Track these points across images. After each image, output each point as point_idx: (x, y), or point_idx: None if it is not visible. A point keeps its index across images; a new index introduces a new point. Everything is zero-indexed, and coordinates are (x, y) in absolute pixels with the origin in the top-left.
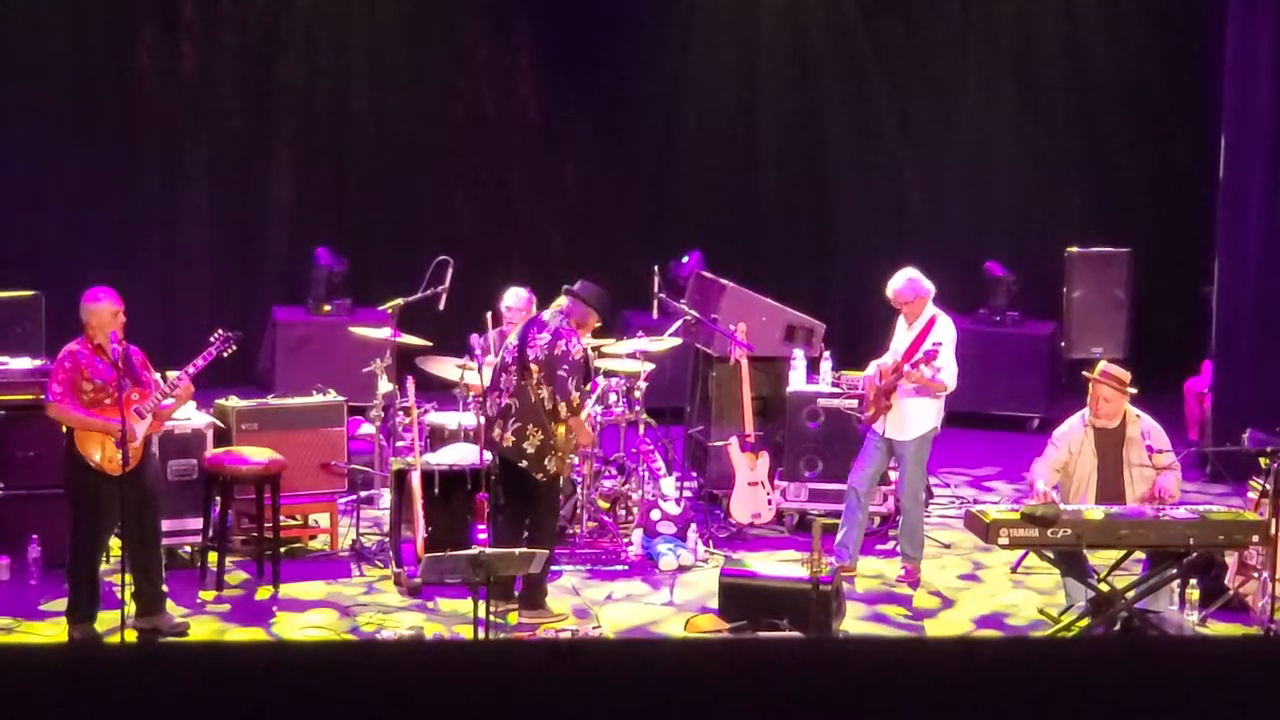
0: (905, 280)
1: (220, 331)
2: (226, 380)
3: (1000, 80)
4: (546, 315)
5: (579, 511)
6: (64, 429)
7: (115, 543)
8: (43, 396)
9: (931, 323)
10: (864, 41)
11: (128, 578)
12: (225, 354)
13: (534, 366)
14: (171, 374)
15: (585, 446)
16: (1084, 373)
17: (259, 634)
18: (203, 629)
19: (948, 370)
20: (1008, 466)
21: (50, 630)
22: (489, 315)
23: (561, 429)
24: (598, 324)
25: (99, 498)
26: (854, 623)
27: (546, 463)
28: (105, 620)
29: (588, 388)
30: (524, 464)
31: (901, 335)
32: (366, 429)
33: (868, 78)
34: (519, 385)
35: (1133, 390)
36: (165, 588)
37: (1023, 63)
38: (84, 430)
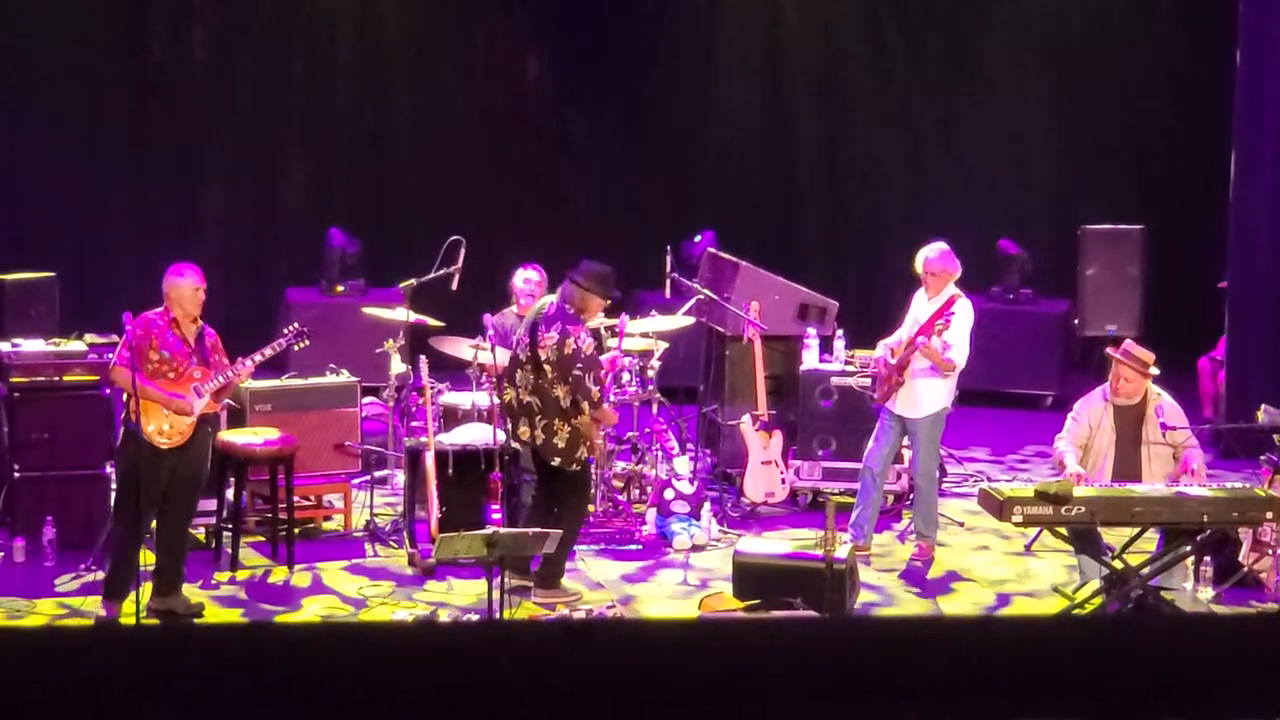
0: (938, 251)
1: (295, 325)
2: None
3: (1015, 59)
4: (553, 308)
5: (593, 491)
6: (125, 397)
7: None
8: (57, 378)
9: (951, 301)
10: (883, 22)
11: (150, 555)
12: (296, 347)
13: (547, 367)
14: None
15: (610, 425)
16: (1107, 349)
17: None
18: (217, 609)
19: (959, 349)
20: (996, 444)
21: (61, 611)
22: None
23: (586, 420)
24: (604, 305)
25: (146, 470)
26: (868, 601)
27: (578, 454)
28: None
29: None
30: (557, 460)
31: (919, 308)
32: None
33: (885, 58)
34: (537, 384)
35: (1154, 372)
36: (184, 570)
37: (1039, 41)
38: (142, 399)
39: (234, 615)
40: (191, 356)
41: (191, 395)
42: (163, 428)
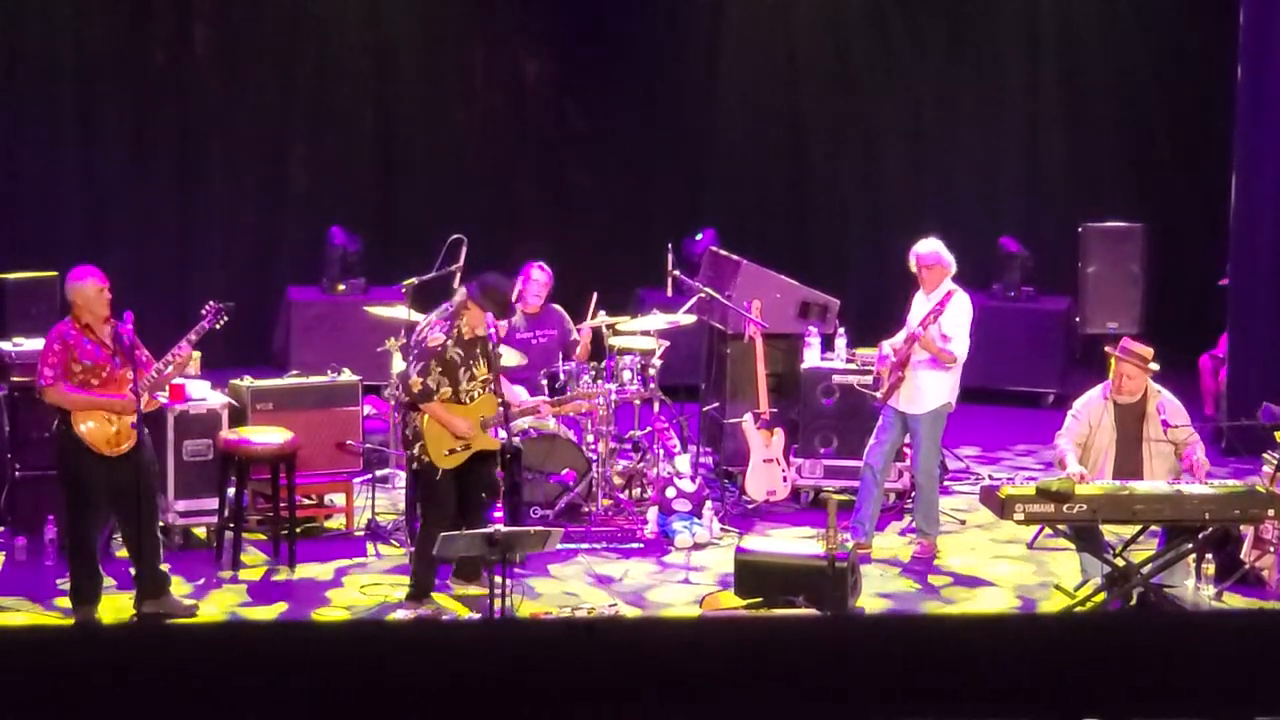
0: (930, 246)
1: (211, 304)
2: (241, 360)
3: (1018, 57)
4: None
5: (595, 490)
6: (57, 411)
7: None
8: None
9: (949, 296)
10: (888, 20)
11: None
12: (218, 325)
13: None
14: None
15: (462, 436)
16: (1105, 348)
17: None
18: (219, 608)
19: (958, 341)
20: (987, 442)
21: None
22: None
23: (425, 419)
24: (483, 317)
25: (94, 480)
26: (871, 599)
27: (416, 449)
28: (119, 604)
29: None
30: (404, 450)
31: (918, 307)
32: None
33: (889, 56)
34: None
35: (1154, 366)
36: (166, 566)
37: (1042, 39)
38: (84, 411)
39: (238, 614)
40: (114, 357)
41: (130, 396)
42: (108, 438)
